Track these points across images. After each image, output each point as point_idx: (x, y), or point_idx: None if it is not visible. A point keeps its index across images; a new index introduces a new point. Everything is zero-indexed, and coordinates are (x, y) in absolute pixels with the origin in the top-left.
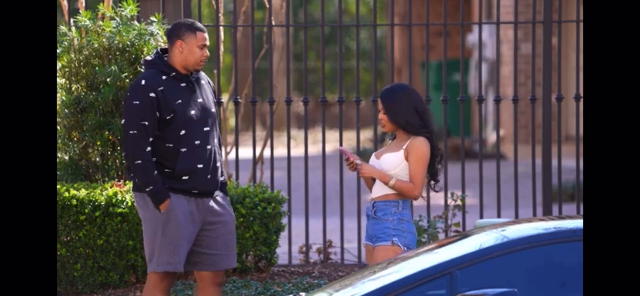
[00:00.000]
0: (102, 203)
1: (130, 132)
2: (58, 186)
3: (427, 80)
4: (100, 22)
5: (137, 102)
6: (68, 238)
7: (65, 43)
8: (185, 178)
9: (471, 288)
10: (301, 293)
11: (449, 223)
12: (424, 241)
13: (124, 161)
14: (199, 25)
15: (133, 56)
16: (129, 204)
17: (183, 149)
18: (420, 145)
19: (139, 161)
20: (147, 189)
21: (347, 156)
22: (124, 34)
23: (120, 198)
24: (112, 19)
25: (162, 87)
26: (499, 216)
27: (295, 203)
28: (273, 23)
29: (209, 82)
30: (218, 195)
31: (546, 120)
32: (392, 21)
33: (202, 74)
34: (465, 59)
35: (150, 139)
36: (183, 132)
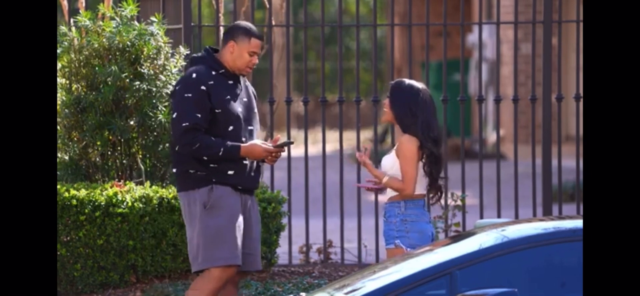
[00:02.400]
0: (102, 203)
1: (183, 124)
2: (58, 186)
3: (427, 80)
4: (100, 22)
5: (190, 94)
6: (68, 238)
7: (65, 43)
8: (230, 172)
9: (471, 288)
10: (301, 293)
11: (449, 223)
12: None
13: (124, 161)
14: (256, 31)
15: (133, 56)
16: (129, 204)
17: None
18: (406, 142)
19: (196, 145)
20: (220, 153)
21: (362, 187)
22: (124, 34)
23: (120, 198)
24: (112, 19)
25: (212, 82)
26: (499, 216)
27: (295, 203)
28: (273, 23)
29: (250, 86)
30: (254, 196)
31: (546, 120)
32: (392, 21)
33: (244, 78)
34: (465, 59)
35: (203, 130)
36: (231, 128)
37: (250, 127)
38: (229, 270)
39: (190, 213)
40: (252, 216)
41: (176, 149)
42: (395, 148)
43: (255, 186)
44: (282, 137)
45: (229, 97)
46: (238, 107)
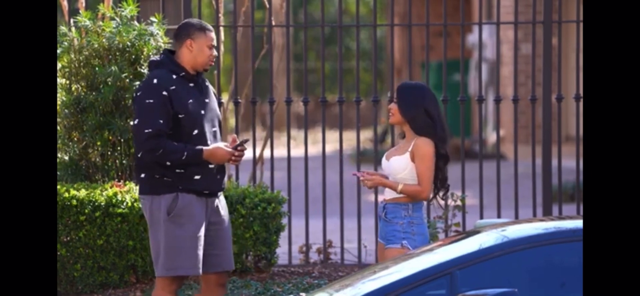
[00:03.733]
0: (102, 203)
1: (146, 131)
2: (58, 187)
3: (427, 80)
4: (100, 23)
5: (151, 100)
6: (68, 238)
7: (65, 43)
8: (197, 177)
9: (471, 288)
10: (301, 293)
11: (449, 223)
12: None
13: (124, 161)
14: (208, 25)
15: (133, 56)
16: (129, 204)
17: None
18: (424, 145)
19: (160, 152)
20: (183, 158)
21: (359, 176)
22: (124, 34)
23: (120, 198)
24: (112, 19)
25: (173, 87)
26: (499, 216)
27: (295, 203)
28: (273, 23)
29: (211, 88)
30: (221, 196)
31: (546, 120)
32: (392, 21)
33: (203, 77)
34: (465, 59)
35: (166, 136)
36: (196, 132)
37: (214, 129)
38: (179, 281)
39: (152, 217)
40: (219, 217)
41: (139, 155)
42: (409, 150)
43: (221, 189)
44: (243, 137)
45: (191, 100)
46: (201, 110)
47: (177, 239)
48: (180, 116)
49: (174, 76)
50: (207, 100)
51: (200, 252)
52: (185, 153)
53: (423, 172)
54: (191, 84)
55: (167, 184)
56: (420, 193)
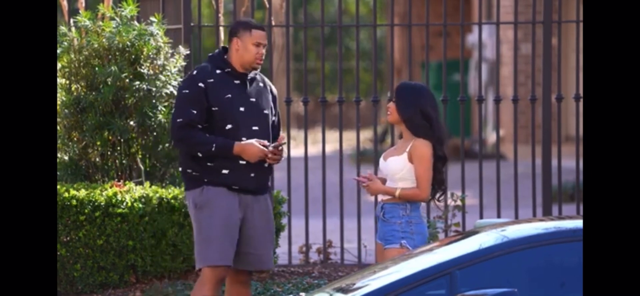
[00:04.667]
0: (102, 203)
1: (178, 120)
2: (58, 186)
3: (427, 80)
4: (100, 22)
5: (187, 91)
6: (68, 238)
7: (65, 43)
8: (225, 171)
9: (471, 288)
10: (301, 293)
11: (449, 223)
12: None
13: (124, 162)
14: (256, 23)
15: (133, 56)
16: (129, 204)
17: None
18: (422, 147)
19: (189, 141)
20: (213, 150)
21: (359, 180)
22: (123, 34)
23: (120, 198)
24: (112, 19)
25: (212, 79)
26: (499, 216)
27: (295, 203)
28: (273, 23)
29: (271, 88)
30: (264, 196)
31: (546, 120)
32: (392, 21)
33: (265, 79)
34: (465, 59)
35: (200, 126)
36: (229, 126)
37: (254, 128)
38: (218, 271)
39: (190, 212)
40: (255, 216)
41: (172, 144)
42: (407, 151)
43: (256, 187)
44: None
45: (230, 95)
46: (240, 107)
47: (205, 230)
48: (213, 108)
49: (218, 71)
50: (252, 99)
51: (232, 242)
52: (215, 145)
53: (421, 174)
54: (237, 81)
55: (195, 179)
56: (418, 195)
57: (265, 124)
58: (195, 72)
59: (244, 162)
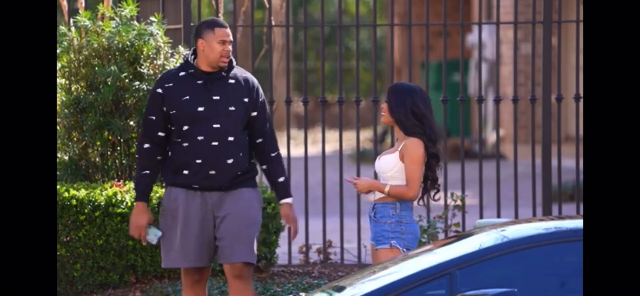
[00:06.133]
0: (102, 203)
1: (141, 130)
2: (58, 186)
3: (427, 80)
4: (100, 22)
5: (149, 97)
6: (68, 238)
7: (65, 43)
8: (185, 172)
9: (471, 288)
10: (301, 293)
11: (449, 223)
12: (424, 241)
13: (124, 162)
14: (220, 21)
15: (133, 56)
16: (129, 204)
17: (185, 144)
18: (413, 146)
19: (137, 155)
20: (136, 175)
21: (351, 181)
22: (123, 34)
23: (120, 198)
24: (111, 19)
25: (171, 83)
26: (499, 216)
27: (295, 203)
28: (273, 23)
29: (247, 82)
30: (238, 191)
31: (546, 120)
32: (392, 21)
33: (238, 74)
34: (465, 59)
35: (160, 133)
36: (186, 127)
37: (215, 125)
38: (188, 272)
39: None
40: (226, 210)
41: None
42: (399, 150)
43: (221, 184)
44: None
45: (188, 97)
46: (198, 107)
47: (166, 232)
48: (171, 112)
49: (181, 73)
50: (215, 97)
51: (198, 243)
52: (135, 181)
53: (411, 172)
54: (199, 81)
55: (164, 181)
56: (406, 193)
57: (231, 121)
58: (160, 76)
59: (200, 161)
